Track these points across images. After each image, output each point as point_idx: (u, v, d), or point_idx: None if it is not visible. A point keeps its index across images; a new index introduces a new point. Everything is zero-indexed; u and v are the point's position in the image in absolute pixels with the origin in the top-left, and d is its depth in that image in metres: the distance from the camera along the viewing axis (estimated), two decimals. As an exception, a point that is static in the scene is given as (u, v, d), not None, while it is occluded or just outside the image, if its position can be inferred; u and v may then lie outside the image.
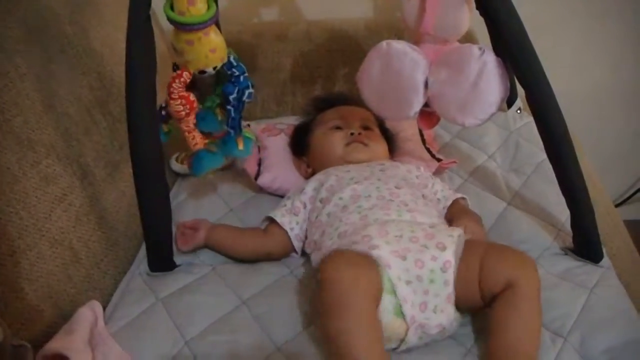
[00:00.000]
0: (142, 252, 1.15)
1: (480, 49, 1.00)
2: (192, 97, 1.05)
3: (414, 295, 0.89)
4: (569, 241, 1.08)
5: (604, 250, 1.05)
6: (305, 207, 1.15)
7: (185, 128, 1.07)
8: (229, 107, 1.08)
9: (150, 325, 0.98)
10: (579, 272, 1.02)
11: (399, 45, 1.06)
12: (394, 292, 0.88)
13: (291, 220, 1.14)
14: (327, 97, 1.44)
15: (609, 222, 1.18)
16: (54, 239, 0.99)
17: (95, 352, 0.89)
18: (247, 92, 1.07)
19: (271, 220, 1.16)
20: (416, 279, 0.89)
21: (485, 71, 1.00)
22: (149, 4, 0.95)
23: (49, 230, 0.98)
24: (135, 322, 0.99)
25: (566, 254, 1.07)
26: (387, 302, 0.87)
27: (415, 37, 1.07)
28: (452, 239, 0.93)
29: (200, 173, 1.10)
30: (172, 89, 1.03)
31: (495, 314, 0.88)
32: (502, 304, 0.87)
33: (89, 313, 0.94)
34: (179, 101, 1.04)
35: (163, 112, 1.10)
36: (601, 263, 1.04)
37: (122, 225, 1.16)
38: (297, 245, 1.14)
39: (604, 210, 1.19)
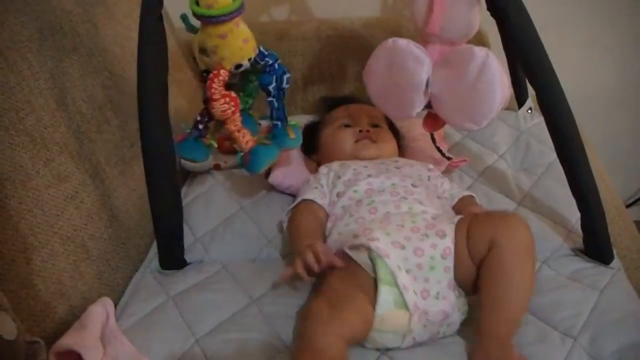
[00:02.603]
0: (153, 249, 1.15)
1: (481, 50, 1.00)
2: (234, 94, 1.02)
3: (414, 283, 0.90)
4: (579, 242, 1.08)
5: (615, 252, 1.05)
6: (329, 193, 1.14)
7: (234, 127, 1.04)
8: (270, 99, 1.06)
9: (161, 322, 0.98)
10: (589, 273, 1.01)
11: (403, 43, 1.06)
12: (394, 283, 0.88)
13: (324, 202, 1.13)
14: (336, 97, 1.44)
15: (620, 223, 1.17)
16: (66, 237, 1.00)
17: (107, 349, 0.90)
18: (285, 77, 1.06)
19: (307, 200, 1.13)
20: (416, 267, 0.90)
21: (485, 73, 0.99)
22: (161, 3, 0.96)
23: (61, 227, 0.99)
24: (146, 319, 0.99)
25: (576, 255, 1.07)
26: (386, 294, 0.88)
27: (424, 37, 1.07)
28: (452, 226, 0.95)
29: (259, 169, 1.08)
30: (213, 90, 1.00)
31: (481, 273, 0.90)
32: (487, 263, 0.89)
33: (101, 310, 0.95)
34: (222, 100, 1.01)
35: (200, 126, 1.08)
36: (611, 264, 1.03)
37: (133, 222, 1.17)
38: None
39: (614, 211, 1.19)
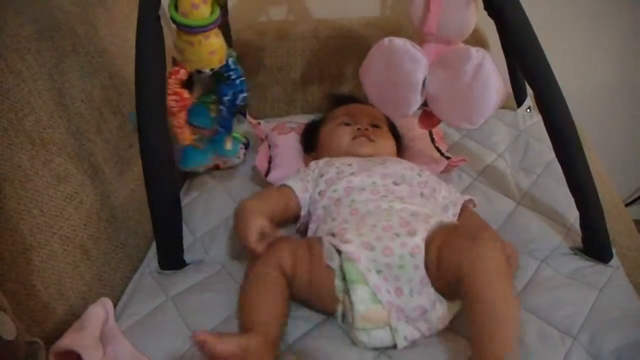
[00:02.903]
0: (153, 250, 1.15)
1: (477, 51, 1.00)
2: (186, 94, 1.06)
3: (386, 283, 0.90)
4: (578, 241, 1.08)
5: (614, 250, 1.05)
6: (312, 189, 1.15)
7: (176, 123, 1.08)
8: (222, 107, 1.10)
9: (160, 322, 0.98)
10: (589, 272, 1.02)
11: (400, 43, 1.06)
12: (366, 282, 0.89)
13: (302, 196, 1.14)
14: (342, 95, 1.45)
15: (619, 222, 1.18)
16: (66, 237, 1.00)
17: (106, 349, 0.90)
18: (240, 96, 1.09)
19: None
20: (385, 266, 0.91)
21: (481, 73, 0.99)
22: (159, 4, 0.96)
23: (61, 228, 0.99)
24: (146, 319, 0.99)
25: (575, 254, 1.07)
26: (362, 293, 0.89)
27: (420, 37, 1.07)
28: (427, 225, 0.95)
29: (185, 167, 1.15)
30: (167, 85, 1.03)
31: (463, 303, 0.89)
32: (463, 295, 0.85)
33: (100, 310, 0.95)
34: (172, 97, 1.04)
35: None
36: (610, 263, 1.03)
37: (132, 223, 1.17)
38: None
39: (613, 210, 1.19)
